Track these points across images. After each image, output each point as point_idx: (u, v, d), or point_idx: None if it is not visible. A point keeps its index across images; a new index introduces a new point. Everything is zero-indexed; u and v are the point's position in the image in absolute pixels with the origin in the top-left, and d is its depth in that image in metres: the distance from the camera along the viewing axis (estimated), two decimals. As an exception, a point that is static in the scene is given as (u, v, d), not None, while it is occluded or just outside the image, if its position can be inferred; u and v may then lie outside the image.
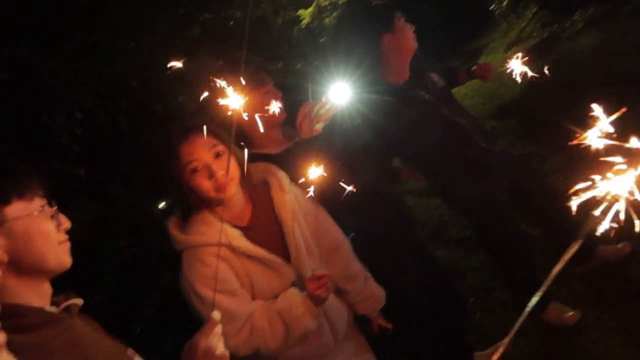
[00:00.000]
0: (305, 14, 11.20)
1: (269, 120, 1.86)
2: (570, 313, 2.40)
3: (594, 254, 2.60)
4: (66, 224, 1.08)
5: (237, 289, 1.55)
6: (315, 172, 1.38)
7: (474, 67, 2.51)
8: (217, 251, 1.51)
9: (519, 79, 1.81)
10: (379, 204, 2.05)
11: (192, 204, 1.59)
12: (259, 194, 1.72)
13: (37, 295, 1.02)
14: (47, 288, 1.06)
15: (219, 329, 1.13)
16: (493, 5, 9.27)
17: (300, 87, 1.77)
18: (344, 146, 1.88)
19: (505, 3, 8.81)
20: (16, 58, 3.89)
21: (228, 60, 1.92)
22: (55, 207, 1.08)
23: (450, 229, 3.93)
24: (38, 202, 1.03)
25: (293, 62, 6.76)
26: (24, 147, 3.94)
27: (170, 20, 4.98)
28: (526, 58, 1.88)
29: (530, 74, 2.00)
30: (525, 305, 2.44)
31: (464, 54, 9.43)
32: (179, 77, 5.70)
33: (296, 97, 1.96)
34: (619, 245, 2.60)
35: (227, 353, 1.14)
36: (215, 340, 1.11)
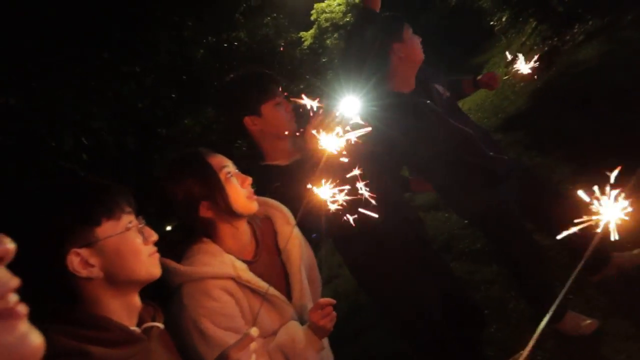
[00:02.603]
0: (307, 36, 11.42)
1: (279, 132, 1.87)
2: (588, 322, 2.35)
3: (609, 262, 2.57)
4: (153, 236, 1.14)
5: (242, 327, 1.42)
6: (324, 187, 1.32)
7: (479, 77, 2.52)
8: (224, 284, 1.42)
9: (526, 71, 1.82)
10: (393, 216, 2.03)
11: (198, 229, 1.50)
12: (261, 228, 1.65)
13: (127, 311, 1.10)
14: (136, 302, 1.13)
15: (253, 345, 1.10)
16: (492, 22, 9.39)
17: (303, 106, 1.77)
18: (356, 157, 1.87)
19: (504, 19, 8.91)
20: (24, 83, 3.95)
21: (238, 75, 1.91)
22: (143, 222, 1.14)
23: (461, 242, 3.90)
24: (126, 219, 1.09)
25: (296, 82, 6.84)
26: (32, 173, 3.97)
27: (174, 43, 5.08)
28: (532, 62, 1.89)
29: (528, 70, 2.01)
30: (541, 316, 2.39)
31: (464, 70, 9.52)
32: (184, 99, 5.78)
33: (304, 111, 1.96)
34: (634, 252, 2.56)
35: None
36: (247, 356, 1.09)
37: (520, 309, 2.81)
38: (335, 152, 1.26)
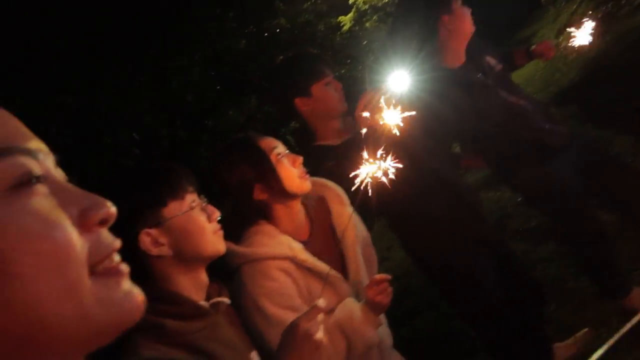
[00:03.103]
0: (346, 20, 11.31)
1: (330, 112, 1.87)
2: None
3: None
4: (216, 213, 1.21)
5: (300, 306, 1.43)
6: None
7: (533, 47, 2.43)
8: (282, 265, 1.44)
9: (584, 41, 1.73)
10: (444, 190, 2.01)
11: (254, 211, 1.52)
12: (315, 208, 1.66)
13: (196, 287, 1.16)
14: (204, 278, 1.19)
15: (321, 317, 1.12)
16: (539, -9, 8.97)
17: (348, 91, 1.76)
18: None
19: (552, -13, 8.50)
20: (80, 83, 4.13)
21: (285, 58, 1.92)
22: (205, 200, 1.20)
23: (514, 221, 3.80)
24: (189, 199, 1.16)
25: (337, 68, 6.80)
26: (89, 169, 4.16)
27: (218, 36, 5.16)
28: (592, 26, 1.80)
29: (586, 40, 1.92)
30: (604, 293, 2.29)
31: (512, 43, 9.15)
32: (229, 92, 5.87)
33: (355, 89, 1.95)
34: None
35: (324, 340, 1.14)
36: (316, 326, 1.11)
37: (581, 287, 2.72)
38: (392, 128, 1.25)
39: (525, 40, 9.22)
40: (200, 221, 1.16)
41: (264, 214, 1.53)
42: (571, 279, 2.84)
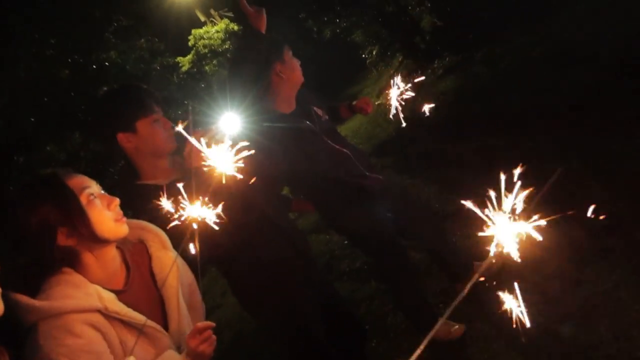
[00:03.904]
0: (185, 61, 11.19)
1: (156, 150, 1.77)
2: (456, 327, 2.54)
3: (472, 271, 2.82)
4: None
5: None
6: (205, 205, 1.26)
7: (354, 102, 2.67)
8: (89, 318, 1.27)
9: (394, 104, 1.97)
10: (274, 234, 2.03)
11: (57, 259, 1.32)
12: (133, 253, 1.51)
13: None
14: None
15: None
16: (364, 55, 10.08)
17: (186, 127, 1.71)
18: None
19: (374, 52, 9.61)
20: None
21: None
22: None
23: (342, 262, 4.03)
24: None
25: (174, 107, 6.63)
26: None
27: (35, 61, 4.62)
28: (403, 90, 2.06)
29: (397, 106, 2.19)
30: (416, 327, 2.53)
31: (340, 99, 10.02)
32: (46, 124, 5.27)
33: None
34: (493, 260, 2.85)
35: None
36: None
37: (397, 322, 2.97)
38: (226, 173, 1.21)
39: (352, 96, 10.18)
40: None
41: (70, 261, 1.34)
42: (390, 315, 3.08)
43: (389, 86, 2.13)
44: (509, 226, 0.99)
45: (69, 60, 5.10)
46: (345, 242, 4.08)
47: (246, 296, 2.09)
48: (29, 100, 4.58)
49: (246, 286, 2.04)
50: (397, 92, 2.21)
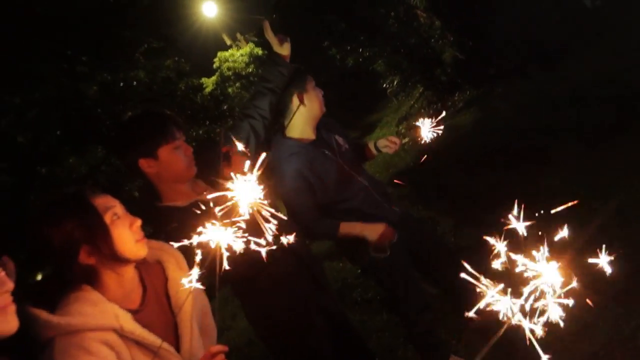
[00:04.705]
0: (209, 82, 11.41)
1: (176, 176, 1.81)
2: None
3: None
4: (6, 285, 1.04)
5: None
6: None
7: (379, 141, 2.63)
8: (105, 337, 1.28)
9: (427, 139, 1.99)
10: (288, 259, 2.04)
11: (77, 276, 1.35)
12: (150, 273, 1.53)
13: None
14: None
15: None
16: (385, 84, 10.18)
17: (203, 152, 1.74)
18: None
19: (395, 83, 9.71)
20: None
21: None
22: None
23: (354, 291, 4.00)
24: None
25: (195, 127, 6.74)
26: None
27: (65, 77, 4.77)
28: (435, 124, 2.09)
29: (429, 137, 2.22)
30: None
31: (360, 127, 10.11)
32: (71, 138, 5.41)
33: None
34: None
35: None
36: None
37: (408, 356, 2.92)
38: (257, 199, 1.22)
39: (372, 124, 10.26)
40: None
41: (89, 279, 1.36)
42: (400, 348, 3.04)
43: (415, 126, 2.15)
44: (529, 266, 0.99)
45: (98, 78, 5.27)
46: (358, 271, 4.06)
47: (259, 319, 2.09)
48: (57, 115, 4.72)
49: (260, 308, 2.05)
50: (427, 131, 2.22)
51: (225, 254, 1.21)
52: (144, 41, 5.45)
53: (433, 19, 8.55)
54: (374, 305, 3.67)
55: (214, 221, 1.23)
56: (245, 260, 1.50)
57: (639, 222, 2.86)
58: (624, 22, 6.34)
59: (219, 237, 1.22)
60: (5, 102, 4.15)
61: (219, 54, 12.75)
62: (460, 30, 7.86)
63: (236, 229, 1.23)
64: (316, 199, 2.34)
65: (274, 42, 2.30)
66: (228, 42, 14.01)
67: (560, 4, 7.20)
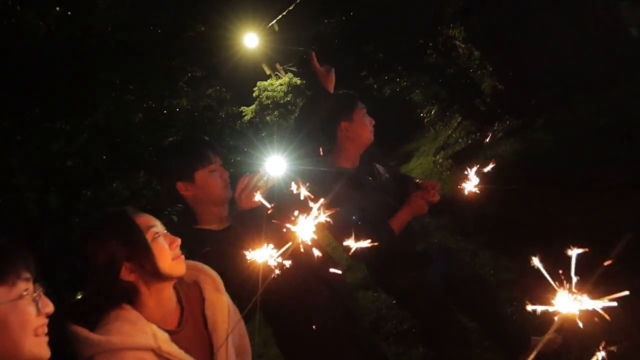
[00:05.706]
0: (248, 111, 11.70)
1: (212, 199, 1.85)
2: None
3: (529, 347, 2.65)
4: (48, 307, 1.05)
5: None
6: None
7: (419, 181, 2.55)
8: (143, 356, 1.30)
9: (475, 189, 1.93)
10: (321, 287, 2.02)
11: (118, 294, 1.38)
12: (188, 294, 1.56)
13: None
14: None
15: None
16: (422, 114, 10.15)
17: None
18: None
19: (433, 112, 9.66)
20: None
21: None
22: (40, 290, 1.04)
23: (389, 323, 3.90)
24: (22, 287, 1.00)
25: (234, 154, 6.88)
26: None
27: (113, 105, 5.00)
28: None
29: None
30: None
31: (397, 156, 10.07)
32: (117, 163, 5.61)
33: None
34: (551, 337, 2.67)
35: None
36: None
37: (445, 392, 2.80)
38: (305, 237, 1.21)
39: (408, 154, 10.18)
40: (25, 314, 1.00)
41: (129, 297, 1.39)
42: (436, 384, 2.93)
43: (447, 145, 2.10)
44: (571, 301, 0.94)
45: (144, 105, 5.50)
46: (394, 301, 3.96)
47: (290, 347, 2.06)
48: (104, 140, 4.93)
49: (289, 338, 2.03)
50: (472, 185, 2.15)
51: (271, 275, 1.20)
52: (187, 70, 5.68)
53: (472, 49, 8.52)
54: (409, 338, 3.56)
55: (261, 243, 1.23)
56: (283, 285, 1.50)
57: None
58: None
59: (264, 257, 1.22)
60: (58, 128, 4.37)
61: (259, 83, 13.09)
62: (500, 61, 7.78)
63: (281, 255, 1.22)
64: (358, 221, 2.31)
65: (320, 73, 2.34)
66: (267, 72, 14.39)
67: (606, 33, 7.05)
